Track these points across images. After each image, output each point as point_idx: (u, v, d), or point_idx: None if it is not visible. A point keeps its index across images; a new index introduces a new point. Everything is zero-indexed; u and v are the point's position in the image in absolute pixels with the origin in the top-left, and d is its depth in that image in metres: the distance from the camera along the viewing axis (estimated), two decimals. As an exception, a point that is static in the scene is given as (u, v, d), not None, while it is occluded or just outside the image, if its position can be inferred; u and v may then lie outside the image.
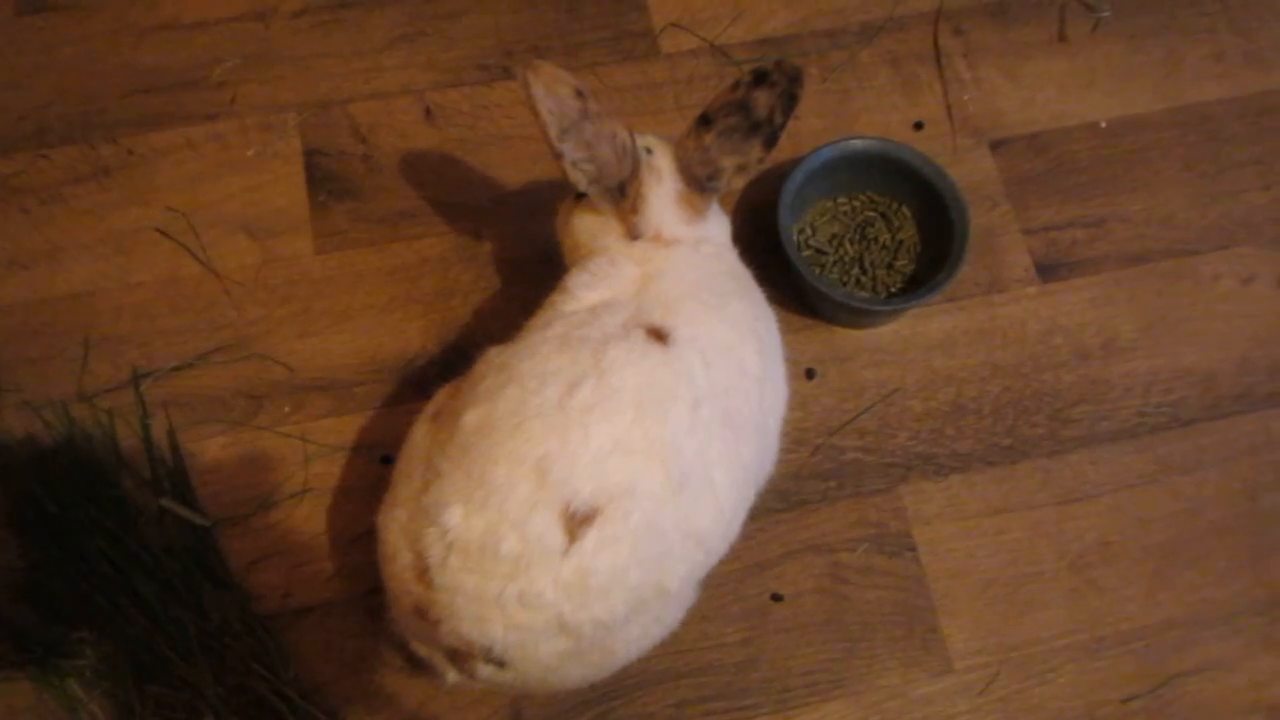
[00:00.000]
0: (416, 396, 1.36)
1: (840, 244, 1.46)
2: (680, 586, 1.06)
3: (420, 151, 1.53)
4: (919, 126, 1.56)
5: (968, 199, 1.40)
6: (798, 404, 1.37)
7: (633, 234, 1.15)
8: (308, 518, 1.33)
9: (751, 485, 1.13)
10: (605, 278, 1.11)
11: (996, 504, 1.36)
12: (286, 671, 1.24)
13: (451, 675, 1.05)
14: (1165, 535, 1.36)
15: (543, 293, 1.16)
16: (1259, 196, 1.54)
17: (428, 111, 1.55)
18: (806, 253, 1.45)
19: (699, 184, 1.16)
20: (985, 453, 1.38)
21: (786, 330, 1.23)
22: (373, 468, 1.35)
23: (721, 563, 1.13)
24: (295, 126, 1.53)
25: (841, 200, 1.48)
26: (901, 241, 1.46)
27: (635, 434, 0.98)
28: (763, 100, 1.11)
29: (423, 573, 0.99)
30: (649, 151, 1.17)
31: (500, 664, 1.00)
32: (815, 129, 1.55)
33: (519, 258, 1.47)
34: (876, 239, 1.46)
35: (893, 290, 1.43)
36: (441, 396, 1.15)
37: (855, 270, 1.44)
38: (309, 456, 1.35)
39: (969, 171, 1.53)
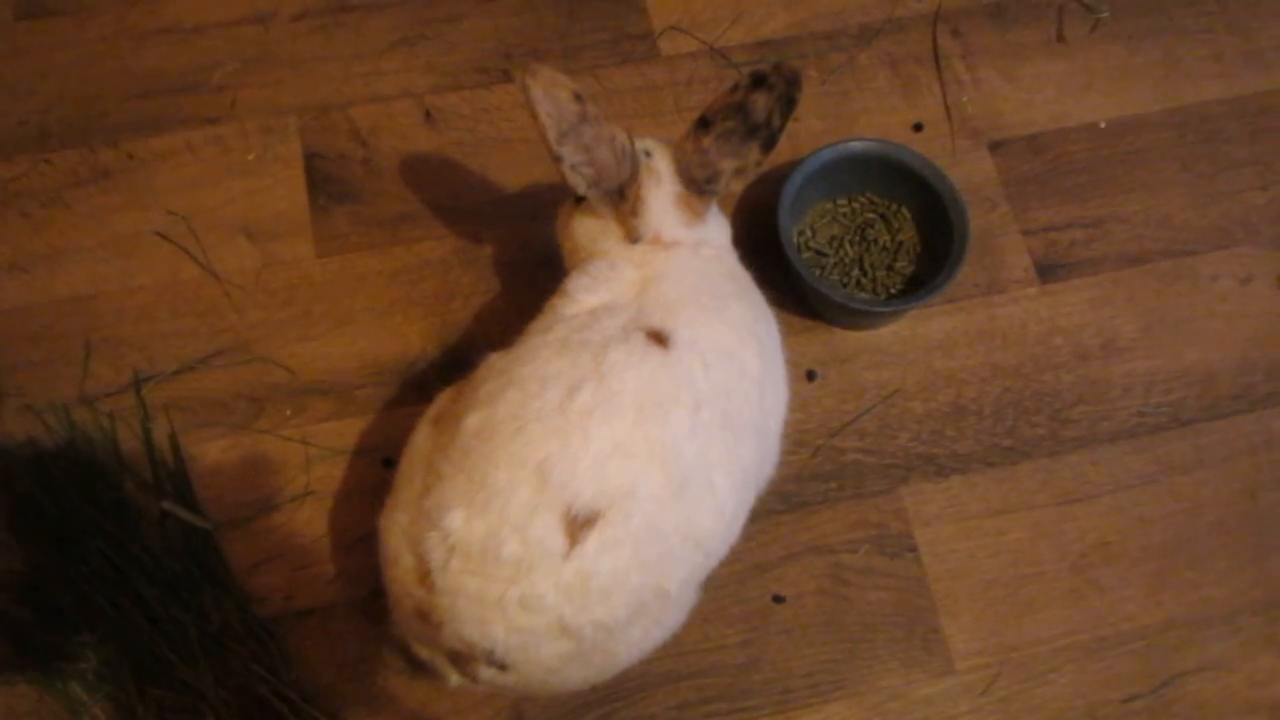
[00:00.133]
0: (417, 399, 1.36)
1: (840, 246, 1.46)
2: (680, 588, 1.06)
3: (420, 155, 1.53)
4: (918, 128, 1.56)
5: (967, 200, 1.40)
6: (798, 405, 1.37)
7: (632, 237, 1.15)
8: (309, 520, 1.33)
9: (752, 487, 1.14)
10: (605, 281, 1.11)
11: (997, 505, 1.36)
12: (288, 674, 1.24)
13: (453, 678, 1.05)
14: (1165, 535, 1.36)
15: (543, 296, 1.16)
16: (1257, 196, 1.55)
17: (427, 114, 1.55)
18: (806, 254, 1.45)
19: (698, 187, 1.16)
20: (986, 453, 1.39)
21: (787, 332, 1.23)
22: (374, 471, 1.35)
23: (723, 564, 1.14)
24: (295, 130, 1.53)
25: (841, 202, 1.48)
26: (901, 243, 1.46)
27: (636, 437, 0.98)
28: (761, 103, 1.11)
29: (424, 576, 0.99)
30: (648, 154, 1.17)
31: (502, 666, 1.00)
32: (815, 131, 1.55)
33: (519, 261, 1.47)
34: (876, 240, 1.46)
35: (893, 291, 1.44)
36: (443, 400, 1.15)
37: (855, 272, 1.45)
38: (310, 459, 1.36)
39: (968, 172, 1.53)
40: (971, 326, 1.45)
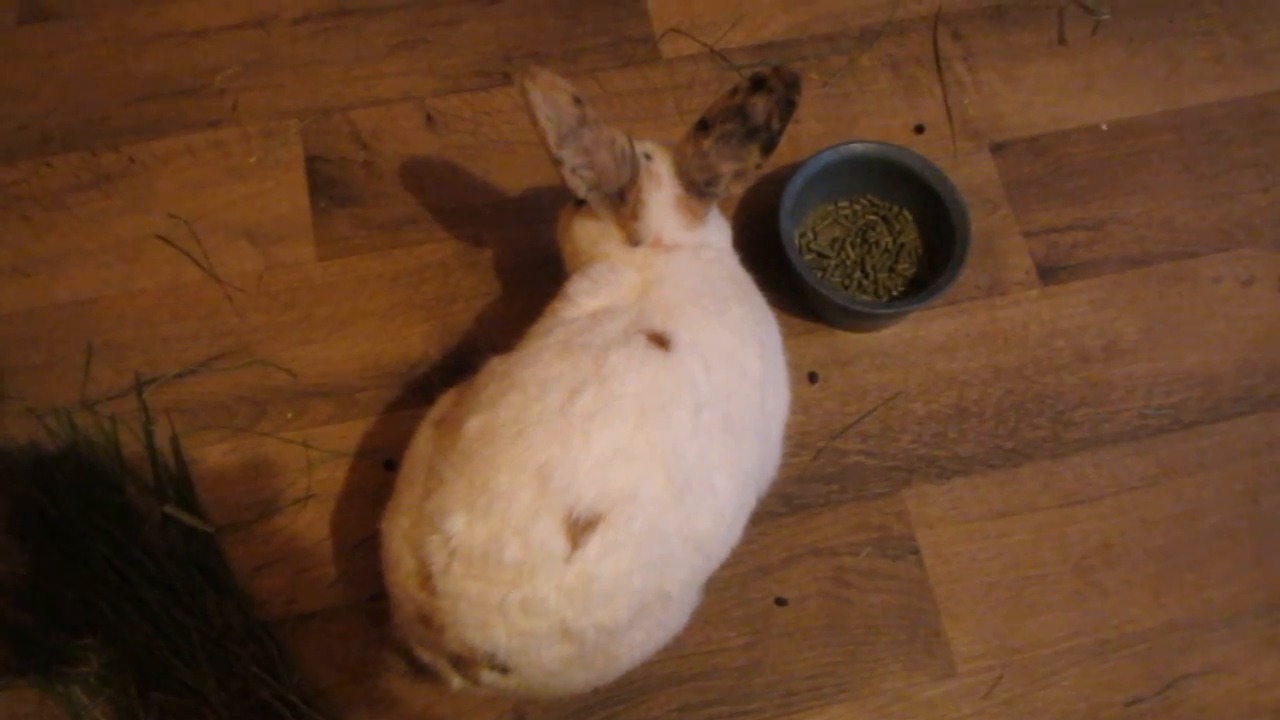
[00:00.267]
0: (419, 402, 1.36)
1: (842, 248, 1.46)
2: (682, 591, 1.06)
3: (421, 158, 1.53)
4: (919, 130, 1.56)
5: (968, 202, 1.40)
6: (800, 407, 1.37)
7: (633, 240, 1.15)
8: (311, 523, 1.33)
9: (753, 489, 1.13)
10: (606, 284, 1.11)
11: (999, 507, 1.36)
12: (290, 677, 1.24)
13: (455, 681, 1.05)
14: (1168, 537, 1.36)
15: (544, 298, 1.16)
16: (1259, 198, 1.54)
17: (429, 118, 1.55)
18: (808, 257, 1.45)
19: (698, 189, 1.16)
20: (988, 455, 1.39)
21: (788, 334, 1.23)
22: (375, 473, 1.35)
23: (724, 567, 1.14)
24: (297, 133, 1.54)
25: (842, 204, 1.48)
26: (903, 245, 1.46)
27: (637, 440, 0.98)
28: (760, 106, 1.11)
29: (426, 579, 0.99)
30: (648, 157, 1.17)
31: (504, 670, 1.00)
32: (816, 133, 1.55)
33: (520, 264, 1.47)
34: (878, 242, 1.46)
35: (894, 293, 1.44)
36: (444, 403, 1.15)
37: (857, 274, 1.45)
38: (312, 462, 1.36)
39: (969, 174, 1.53)
40: (973, 328, 1.45)
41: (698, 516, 1.03)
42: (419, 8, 1.62)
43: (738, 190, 1.17)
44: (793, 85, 1.11)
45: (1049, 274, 1.49)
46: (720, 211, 1.24)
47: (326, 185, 1.51)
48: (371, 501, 1.28)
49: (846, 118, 1.57)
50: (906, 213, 1.47)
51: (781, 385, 1.18)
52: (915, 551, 1.33)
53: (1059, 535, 1.35)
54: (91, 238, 1.47)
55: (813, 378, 1.42)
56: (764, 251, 1.38)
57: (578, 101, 1.09)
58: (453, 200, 1.51)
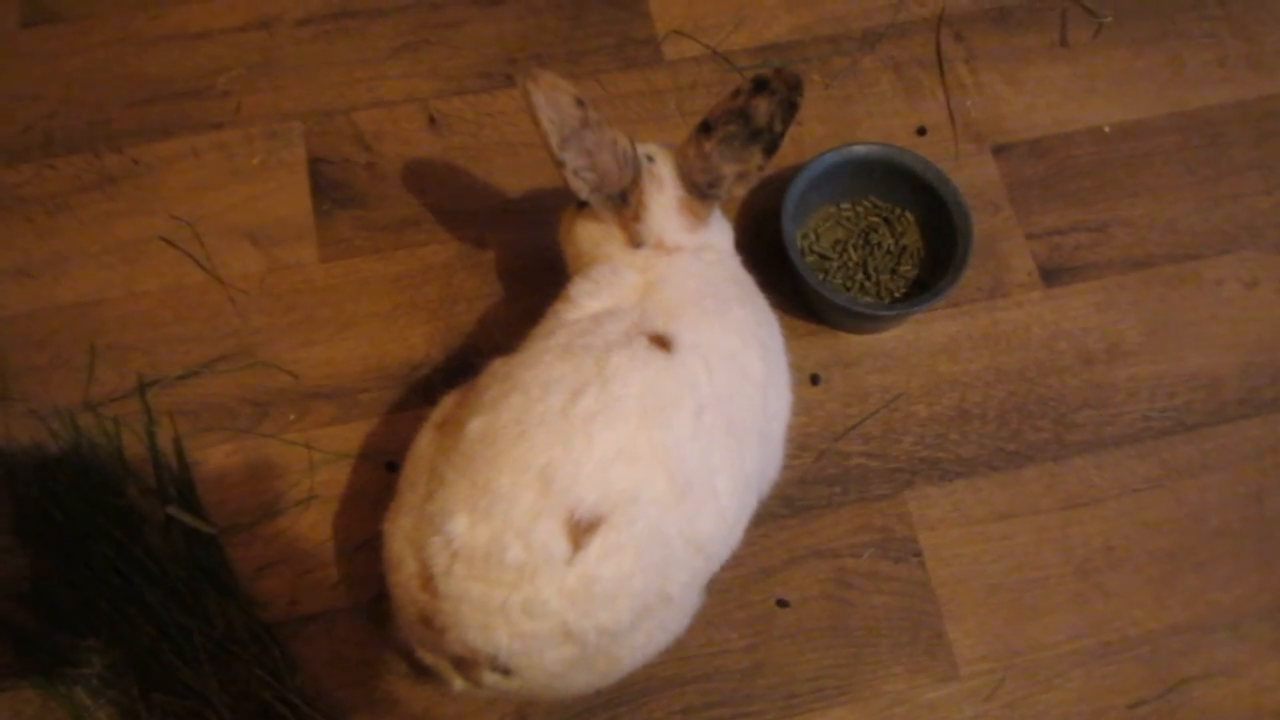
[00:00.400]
0: (421, 403, 1.36)
1: (844, 249, 1.46)
2: (684, 593, 1.06)
3: (424, 159, 1.53)
4: (921, 132, 1.56)
5: (970, 204, 1.40)
6: (802, 409, 1.37)
7: (635, 242, 1.15)
8: (313, 525, 1.33)
9: (755, 491, 1.13)
10: (608, 285, 1.11)
11: (1001, 509, 1.36)
12: (292, 679, 1.25)
13: (457, 683, 1.05)
14: (1171, 540, 1.35)
15: (546, 300, 1.16)
16: (1262, 201, 1.54)
17: (431, 119, 1.56)
18: (810, 258, 1.45)
19: (700, 191, 1.16)
20: (990, 458, 1.38)
21: (790, 336, 1.23)
22: (378, 475, 1.35)
23: (726, 569, 1.14)
24: (299, 135, 1.54)
25: (845, 206, 1.48)
26: (905, 247, 1.46)
27: (639, 441, 0.98)
28: (763, 108, 1.12)
29: (428, 581, 0.99)
30: (650, 159, 1.17)
31: (506, 672, 1.00)
32: (818, 135, 1.55)
33: (522, 265, 1.47)
34: (880, 244, 1.46)
35: (896, 295, 1.44)
36: (446, 404, 1.15)
37: (859, 276, 1.45)
38: (314, 464, 1.36)
39: (972, 176, 1.53)
40: (975, 330, 1.45)
41: (699, 518, 1.03)
42: (422, 9, 1.62)
43: (740, 192, 1.17)
44: (795, 87, 1.11)
45: (1051, 276, 1.49)
46: (722, 213, 1.24)
47: (329, 187, 1.51)
48: (373, 503, 1.28)
49: (849, 119, 1.57)
50: (909, 215, 1.47)
51: (783, 387, 1.18)
52: (917, 553, 1.33)
53: (1061, 537, 1.35)
54: (95, 239, 1.47)
55: (815, 379, 1.42)
56: (766, 253, 1.38)
57: (580, 103, 1.09)
58: (455, 202, 1.51)
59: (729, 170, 1.15)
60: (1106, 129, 1.58)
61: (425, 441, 1.11)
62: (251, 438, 1.37)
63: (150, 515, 1.32)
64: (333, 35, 1.61)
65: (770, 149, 1.14)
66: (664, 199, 1.16)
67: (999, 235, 1.51)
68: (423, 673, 1.11)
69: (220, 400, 1.39)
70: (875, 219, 1.48)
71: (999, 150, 1.56)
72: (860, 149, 1.43)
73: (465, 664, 1.02)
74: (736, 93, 1.12)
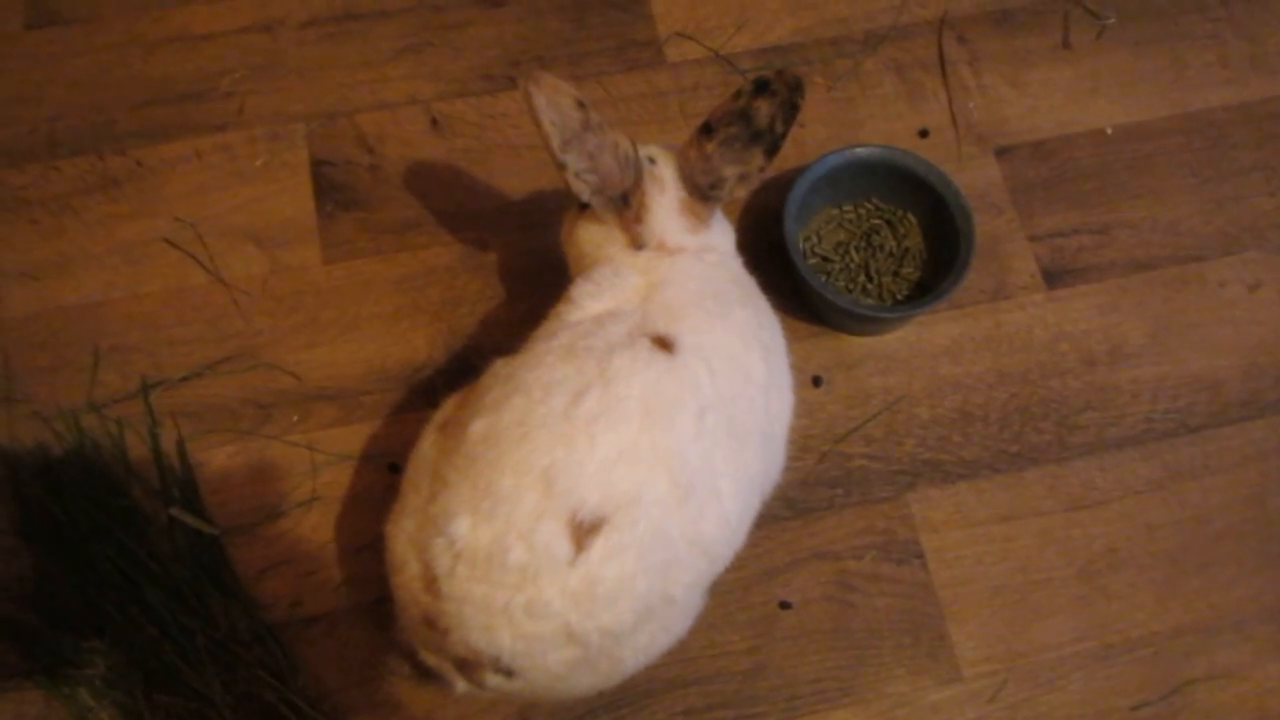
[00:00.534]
0: (424, 405, 1.36)
1: (846, 251, 1.46)
2: (686, 594, 1.06)
3: (426, 161, 1.53)
4: (924, 134, 1.56)
5: (973, 206, 1.40)
6: (804, 411, 1.37)
7: (637, 243, 1.15)
8: (316, 526, 1.33)
9: (757, 493, 1.13)
10: (610, 287, 1.12)
11: (1004, 511, 1.36)
12: (295, 680, 1.25)
13: (460, 684, 1.05)
14: (1174, 542, 1.35)
15: (548, 302, 1.16)
16: (1265, 202, 1.54)
17: (434, 121, 1.56)
18: (812, 260, 1.45)
19: (702, 193, 1.16)
20: (992, 460, 1.38)
21: (793, 338, 1.23)
22: (380, 476, 1.35)
23: (729, 571, 1.13)
24: (302, 137, 1.54)
25: (847, 208, 1.48)
26: (907, 249, 1.46)
27: (641, 442, 0.99)
28: (764, 110, 1.12)
29: (431, 582, 1.00)
30: (652, 161, 1.17)
31: (508, 673, 1.00)
32: (820, 137, 1.55)
33: (525, 267, 1.47)
34: (882, 246, 1.46)
35: (899, 297, 1.44)
36: (449, 406, 1.15)
37: (861, 278, 1.45)
38: (317, 465, 1.36)
39: (974, 178, 1.53)
40: (978, 332, 1.45)
41: (702, 520, 1.03)
42: (424, 12, 1.62)
43: (741, 194, 1.17)
44: (796, 89, 1.11)
45: (1054, 278, 1.48)
46: (724, 215, 1.24)
47: (332, 189, 1.51)
48: (376, 505, 1.28)
49: (851, 121, 1.57)
50: (911, 217, 1.47)
51: (785, 389, 1.18)
52: (920, 555, 1.33)
53: (1064, 539, 1.35)
54: (98, 241, 1.48)
55: (817, 381, 1.42)
56: (768, 255, 1.38)
57: (581, 105, 1.09)
58: (457, 204, 1.51)
59: (730, 172, 1.15)
60: (1109, 131, 1.58)
61: (428, 443, 1.11)
62: (254, 439, 1.37)
63: (153, 516, 1.32)
64: (336, 37, 1.61)
65: (772, 151, 1.14)
66: (666, 201, 1.16)
67: (1001, 237, 1.51)
68: (425, 674, 1.11)
69: (223, 402, 1.39)
70: (877, 221, 1.48)
71: (1001, 152, 1.56)
72: (862, 151, 1.43)
73: (468, 666, 1.02)
74: (738, 94, 1.12)
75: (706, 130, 1.14)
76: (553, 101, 1.08)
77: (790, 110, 1.12)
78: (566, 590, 0.96)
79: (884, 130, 1.56)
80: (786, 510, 1.34)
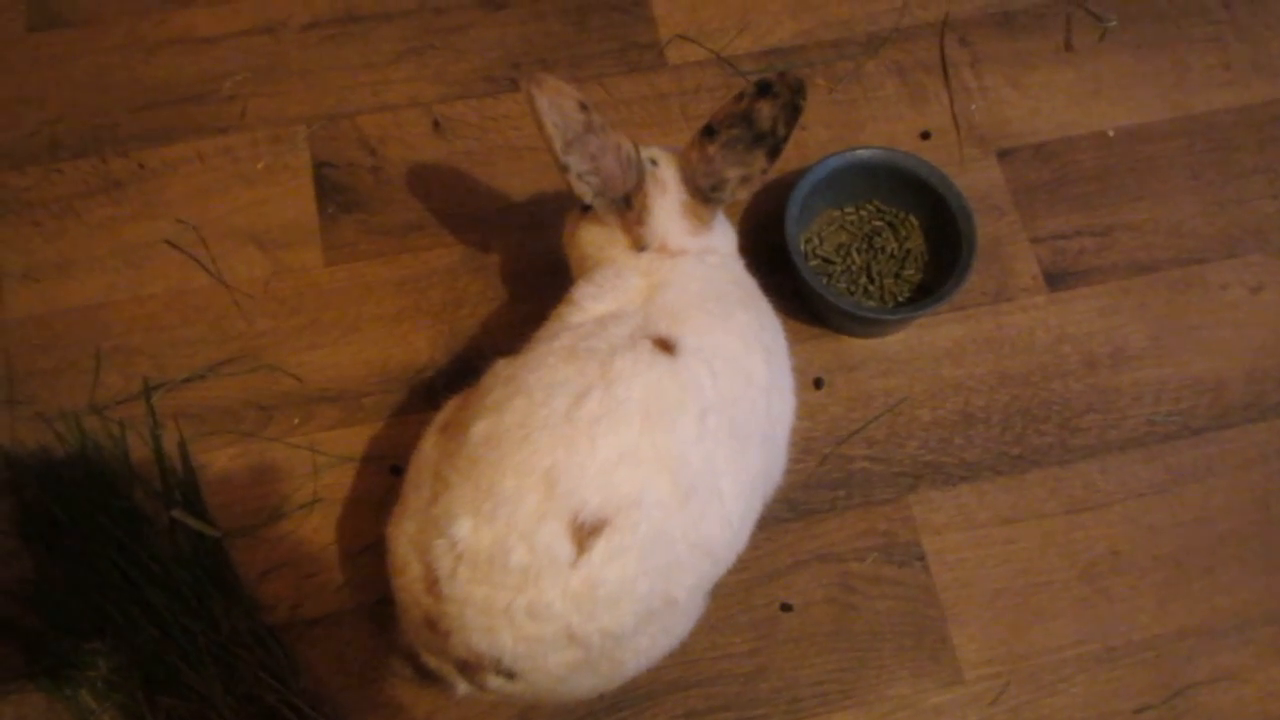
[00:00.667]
0: (425, 407, 1.36)
1: (847, 253, 1.46)
2: (688, 596, 1.06)
3: (428, 163, 1.54)
4: (926, 136, 1.56)
5: (974, 208, 1.40)
6: (806, 413, 1.37)
7: (638, 245, 1.15)
8: (317, 528, 1.33)
9: (759, 495, 1.13)
10: (611, 289, 1.12)
11: (1006, 513, 1.36)
12: (296, 682, 1.25)
13: (461, 686, 1.05)
14: (1176, 544, 1.35)
15: (550, 304, 1.16)
16: (1267, 205, 1.54)
17: (436, 124, 1.56)
18: (814, 262, 1.45)
19: (704, 195, 1.16)
20: (994, 462, 1.38)
21: (794, 340, 1.23)
22: (382, 478, 1.35)
23: (730, 572, 1.13)
24: (304, 139, 1.54)
25: (849, 210, 1.48)
26: (909, 251, 1.46)
27: (642, 444, 0.98)
28: (766, 112, 1.12)
29: (432, 584, 1.00)
30: (654, 163, 1.17)
31: (510, 675, 1.00)
32: (822, 139, 1.55)
33: (527, 269, 1.47)
34: (884, 248, 1.46)
35: (900, 299, 1.43)
36: (450, 408, 1.15)
37: (863, 279, 1.44)
38: (318, 467, 1.36)
39: (976, 181, 1.53)
40: (979, 334, 1.45)
41: (704, 522, 1.03)
42: (426, 14, 1.63)
43: (743, 196, 1.17)
44: (798, 91, 1.11)
45: (1056, 280, 1.48)
46: (726, 217, 1.24)
47: (334, 191, 1.51)
48: (377, 506, 1.28)
49: (853, 123, 1.57)
50: (913, 218, 1.47)
51: (787, 390, 1.18)
52: (921, 558, 1.33)
53: (1066, 542, 1.35)
54: (100, 243, 1.48)
55: (818, 383, 1.42)
56: (770, 257, 1.38)
57: (584, 107, 1.09)
58: (459, 206, 1.51)
59: (732, 174, 1.15)
60: (1111, 133, 1.58)
61: (429, 445, 1.11)
62: (256, 441, 1.37)
63: (155, 518, 1.32)
64: (338, 40, 1.61)
65: (774, 153, 1.14)
66: (667, 203, 1.16)
67: (1003, 239, 1.51)
68: (427, 676, 1.11)
69: (225, 404, 1.39)
70: (879, 223, 1.48)
71: (1003, 154, 1.56)
72: (864, 153, 1.43)
73: (469, 667, 1.02)
74: (740, 96, 1.12)
75: (708, 132, 1.14)
76: (555, 103, 1.08)
77: (792, 112, 1.12)
78: (568, 592, 0.96)
79: (886, 132, 1.56)
80: (788, 512, 1.34)
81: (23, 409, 1.38)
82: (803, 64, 1.60)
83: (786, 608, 1.30)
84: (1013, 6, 1.65)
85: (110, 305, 1.44)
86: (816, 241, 1.46)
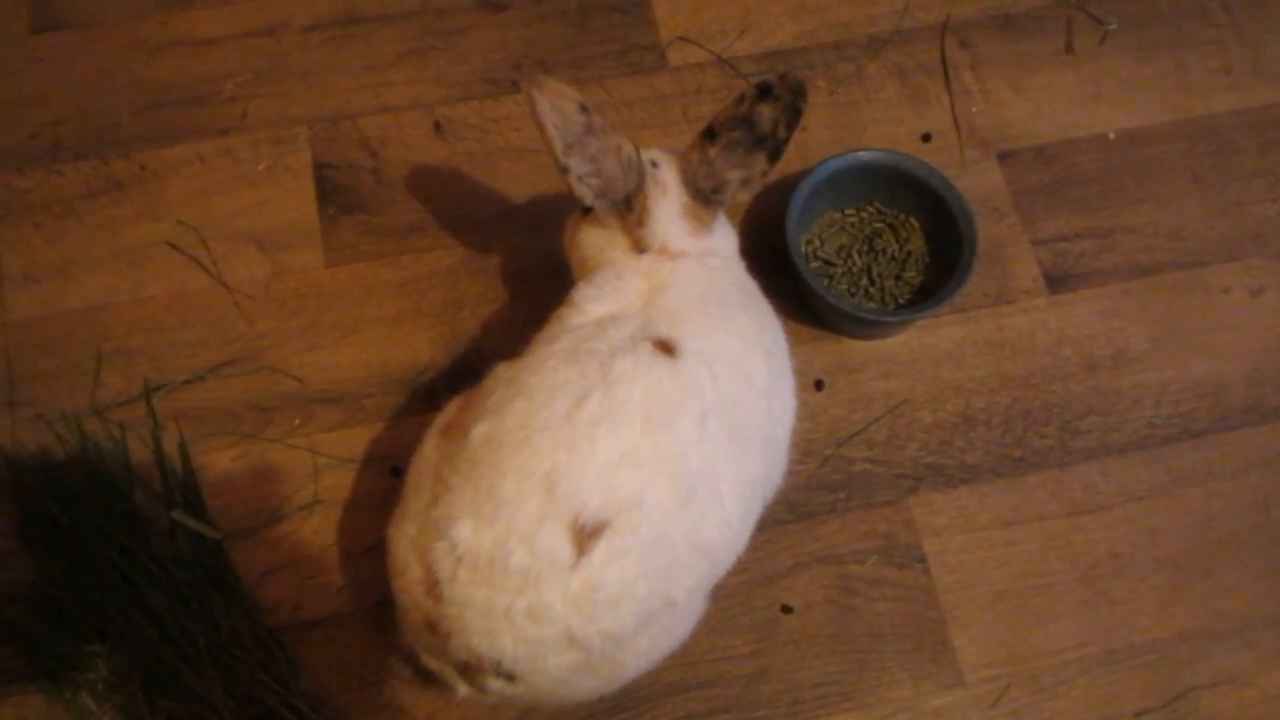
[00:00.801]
0: (426, 408, 1.36)
1: (848, 255, 1.46)
2: (688, 598, 1.06)
3: (429, 165, 1.54)
4: (926, 138, 1.56)
5: (975, 210, 1.40)
6: (806, 415, 1.37)
7: (639, 247, 1.15)
8: (317, 530, 1.33)
9: (759, 497, 1.13)
10: (612, 291, 1.12)
11: (1006, 515, 1.36)
12: (296, 683, 1.25)
13: (461, 688, 1.05)
14: (1177, 547, 1.35)
15: (551, 305, 1.16)
16: (1268, 208, 1.54)
17: (437, 125, 1.56)
18: (814, 264, 1.45)
19: (704, 197, 1.16)
20: (995, 464, 1.38)
21: (795, 341, 1.23)
22: (382, 480, 1.35)
23: (731, 574, 1.13)
24: (305, 140, 1.54)
25: (849, 212, 1.48)
26: (909, 253, 1.46)
27: (643, 446, 0.98)
28: (767, 114, 1.12)
29: (432, 586, 1.00)
30: (654, 165, 1.17)
31: (510, 677, 1.00)
32: (823, 141, 1.55)
33: (527, 270, 1.47)
34: (884, 250, 1.46)
35: (901, 301, 1.43)
36: (451, 409, 1.15)
37: (863, 281, 1.45)
38: (318, 469, 1.36)
39: (976, 183, 1.53)
40: (980, 337, 1.45)
41: (704, 523, 1.03)
42: (428, 16, 1.63)
43: (744, 198, 1.17)
44: (799, 93, 1.11)
45: (1056, 282, 1.48)
46: (727, 219, 1.24)
47: (335, 192, 1.51)
48: (378, 508, 1.28)
49: (854, 126, 1.57)
50: (913, 220, 1.47)
51: (788, 392, 1.18)
52: (922, 560, 1.33)
53: (1066, 544, 1.35)
54: (101, 244, 1.48)
55: (819, 385, 1.42)
56: (771, 259, 1.38)
57: (584, 109, 1.09)
58: (460, 207, 1.51)
59: (733, 176, 1.15)
60: (1112, 136, 1.58)
61: (430, 447, 1.11)
62: (256, 442, 1.37)
63: (155, 520, 1.32)
64: (339, 41, 1.61)
65: (774, 155, 1.14)
66: (668, 205, 1.16)
67: (1004, 241, 1.51)
68: (427, 678, 1.11)
69: (225, 405, 1.39)
70: (880, 225, 1.48)
71: (1004, 156, 1.56)
72: (865, 155, 1.43)
73: (470, 670, 1.02)
74: (741, 99, 1.12)
75: (709, 134, 1.14)
76: (555, 105, 1.08)
77: (793, 115, 1.12)
78: (568, 594, 0.96)
79: (886, 134, 1.56)
80: (788, 514, 1.34)
81: (23, 410, 1.39)
82: (803, 66, 1.60)
83: (787, 610, 1.30)
84: (1013, 9, 1.65)
85: (111, 306, 1.45)
86: (817, 243, 1.46)
